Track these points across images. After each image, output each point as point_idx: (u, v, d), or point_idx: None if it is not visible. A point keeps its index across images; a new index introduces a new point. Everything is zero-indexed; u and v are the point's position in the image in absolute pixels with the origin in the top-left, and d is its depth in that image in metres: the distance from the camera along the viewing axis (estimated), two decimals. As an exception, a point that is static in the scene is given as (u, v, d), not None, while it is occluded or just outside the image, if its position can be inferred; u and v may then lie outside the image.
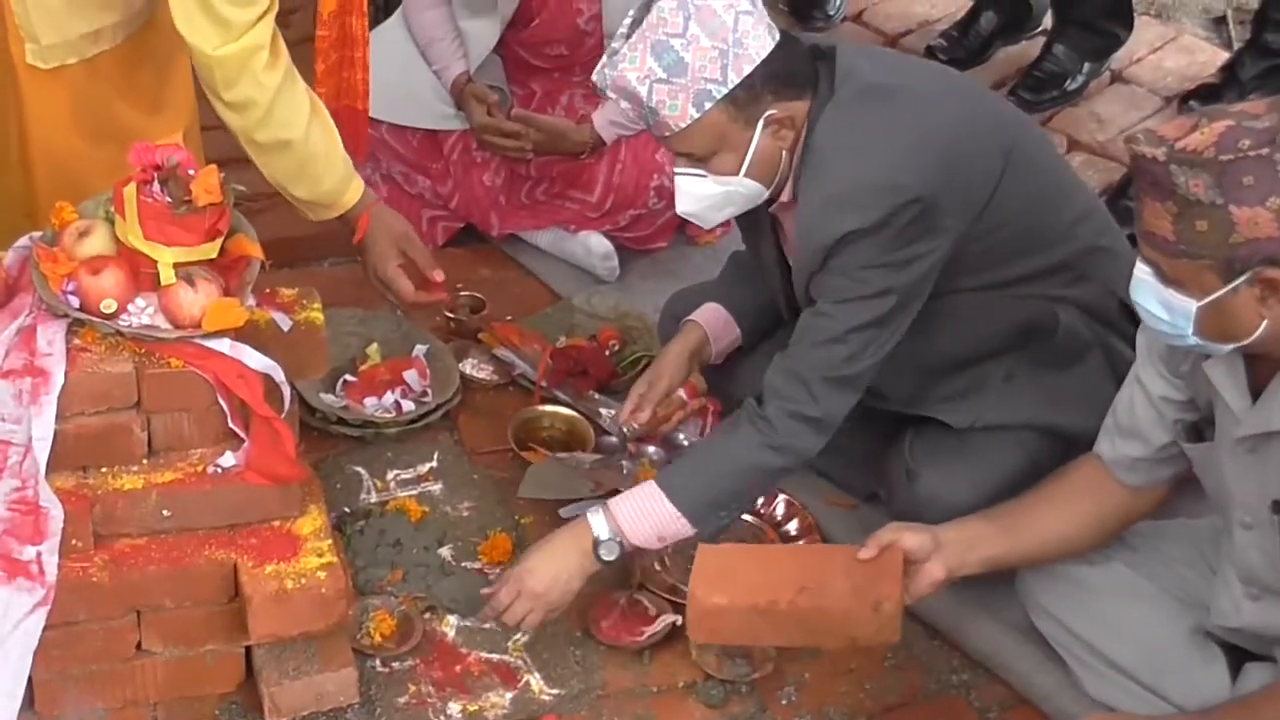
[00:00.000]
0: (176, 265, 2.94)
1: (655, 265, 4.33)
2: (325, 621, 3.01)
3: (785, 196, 3.23)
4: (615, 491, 3.39)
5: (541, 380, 3.88)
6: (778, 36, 3.09)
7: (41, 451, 2.89)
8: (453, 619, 3.36)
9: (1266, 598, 2.89)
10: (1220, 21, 5.47)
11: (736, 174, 3.14)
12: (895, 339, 3.19)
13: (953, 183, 3.13)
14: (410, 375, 3.86)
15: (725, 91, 3.04)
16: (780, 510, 3.64)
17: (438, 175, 4.35)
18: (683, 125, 3.06)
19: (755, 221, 3.40)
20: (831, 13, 5.32)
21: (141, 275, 2.96)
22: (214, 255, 2.99)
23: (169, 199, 2.92)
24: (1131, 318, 2.89)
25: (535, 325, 4.08)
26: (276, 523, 3.06)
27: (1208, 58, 5.18)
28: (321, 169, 3.39)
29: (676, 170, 3.19)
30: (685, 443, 3.74)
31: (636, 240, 4.34)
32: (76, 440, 2.93)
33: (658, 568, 3.50)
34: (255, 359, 2.96)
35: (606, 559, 3.18)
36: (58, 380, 2.89)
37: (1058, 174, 3.41)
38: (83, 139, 3.40)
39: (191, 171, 2.95)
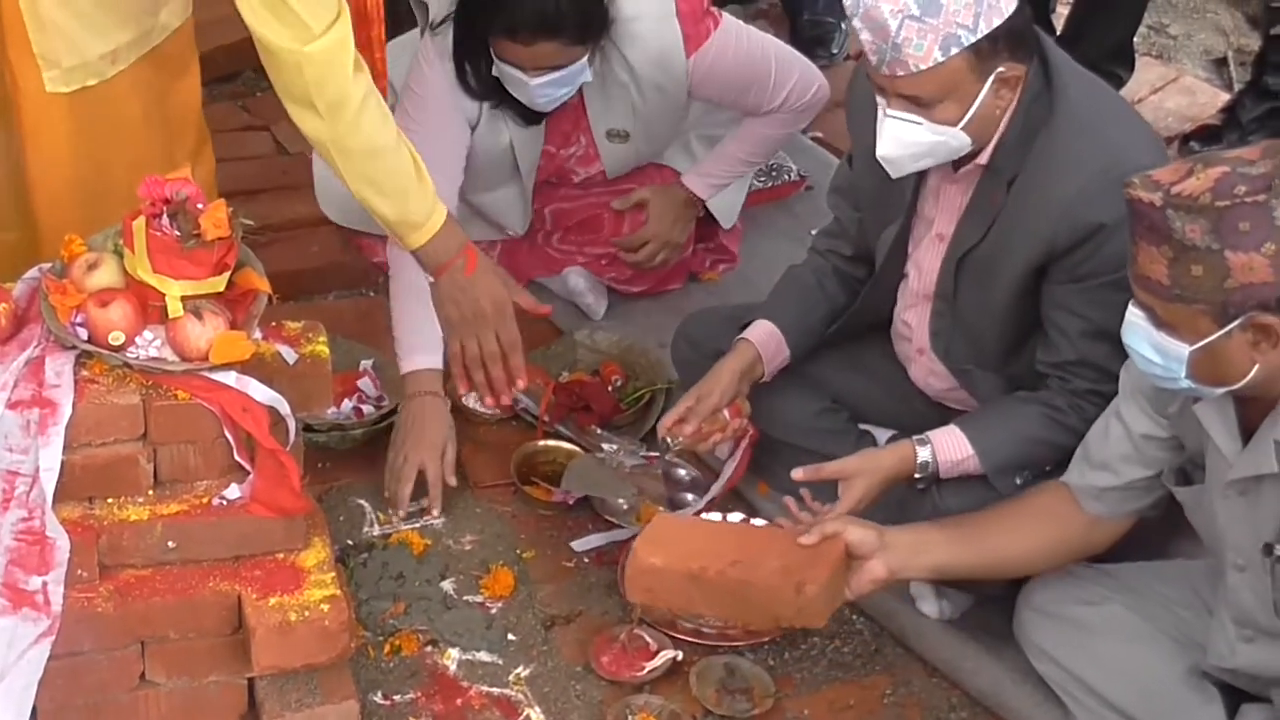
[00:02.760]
0: (184, 298, 2.95)
1: (658, 301, 4.35)
2: (328, 654, 3.01)
3: (983, 159, 3.21)
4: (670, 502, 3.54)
5: (544, 415, 3.90)
6: None
7: (48, 482, 2.89)
8: (454, 652, 3.37)
9: (1261, 639, 2.90)
10: (1221, 63, 5.50)
11: (955, 125, 3.12)
12: None
13: None
14: (363, 383, 3.96)
15: (973, 40, 3.03)
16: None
17: None
18: (923, 67, 3.04)
19: (891, 197, 3.37)
20: (835, 50, 5.34)
21: (149, 308, 2.97)
22: (221, 289, 3.00)
23: (178, 233, 2.93)
24: None
25: (538, 360, 4.09)
26: (280, 555, 3.06)
27: (1208, 99, 5.21)
28: (408, 184, 3.22)
29: (889, 113, 3.14)
30: (723, 457, 3.76)
31: (647, 290, 4.35)
32: (83, 471, 2.94)
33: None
34: (261, 392, 2.97)
35: (918, 476, 3.32)
36: (65, 411, 2.90)
37: None
38: (90, 165, 3.37)
39: (200, 205, 2.96)
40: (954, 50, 3.03)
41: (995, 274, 3.27)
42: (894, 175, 3.26)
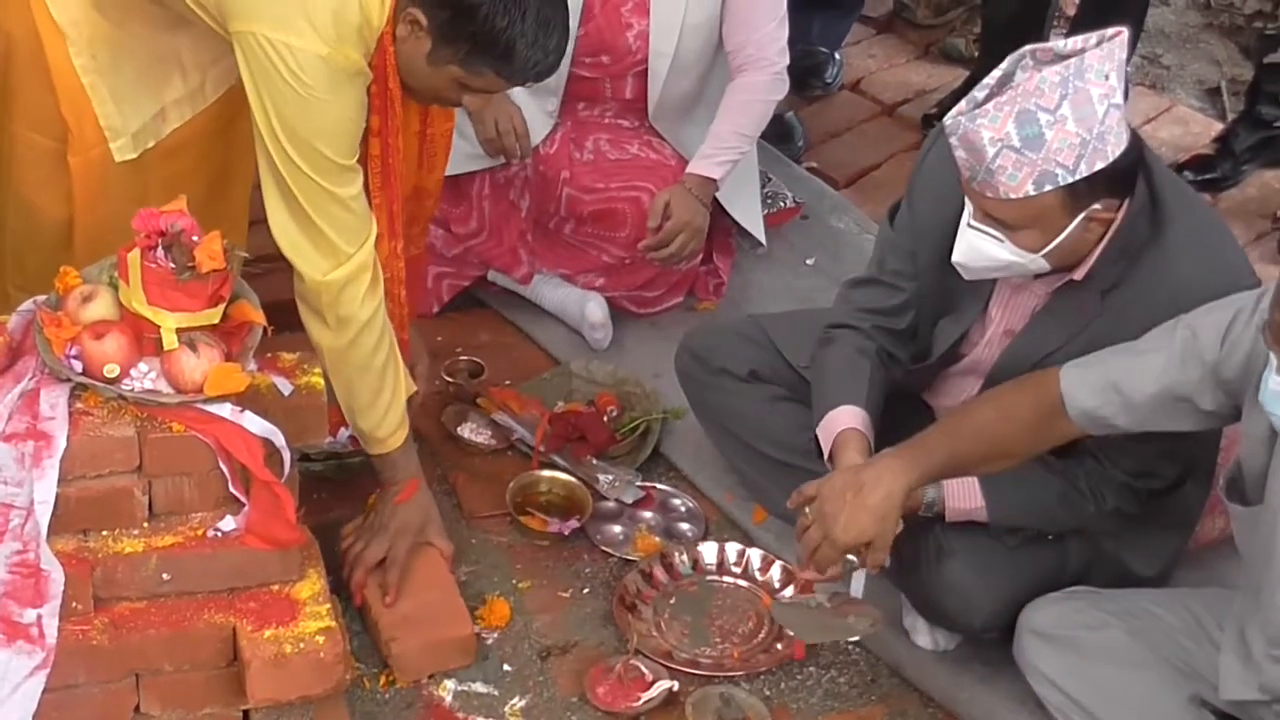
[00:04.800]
0: (179, 330, 2.96)
1: (654, 330, 4.35)
2: (323, 686, 3.01)
3: (1078, 275, 3.14)
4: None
5: (540, 445, 3.90)
6: (1129, 135, 3.03)
7: (43, 514, 2.89)
8: (450, 683, 3.37)
9: None
10: (1214, 93, 5.51)
11: (1036, 252, 3.06)
12: None
13: None
14: None
15: (1070, 180, 2.96)
16: (776, 575, 3.65)
17: (459, 218, 4.33)
18: (1013, 197, 2.98)
19: (955, 284, 3.31)
20: (829, 81, 5.35)
21: (144, 340, 2.97)
22: (216, 320, 3.01)
23: (173, 265, 2.94)
24: None
25: (533, 390, 4.09)
26: (275, 587, 3.06)
27: (1202, 129, 5.22)
28: (389, 401, 3.41)
29: (971, 223, 3.09)
30: None
31: (653, 300, 4.36)
32: (78, 504, 2.94)
33: (654, 633, 3.51)
34: (256, 424, 2.97)
35: (924, 515, 3.29)
36: (60, 444, 2.90)
37: None
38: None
39: (195, 238, 2.97)
40: (1048, 187, 2.96)
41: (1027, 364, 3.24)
42: (967, 278, 3.22)
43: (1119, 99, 2.98)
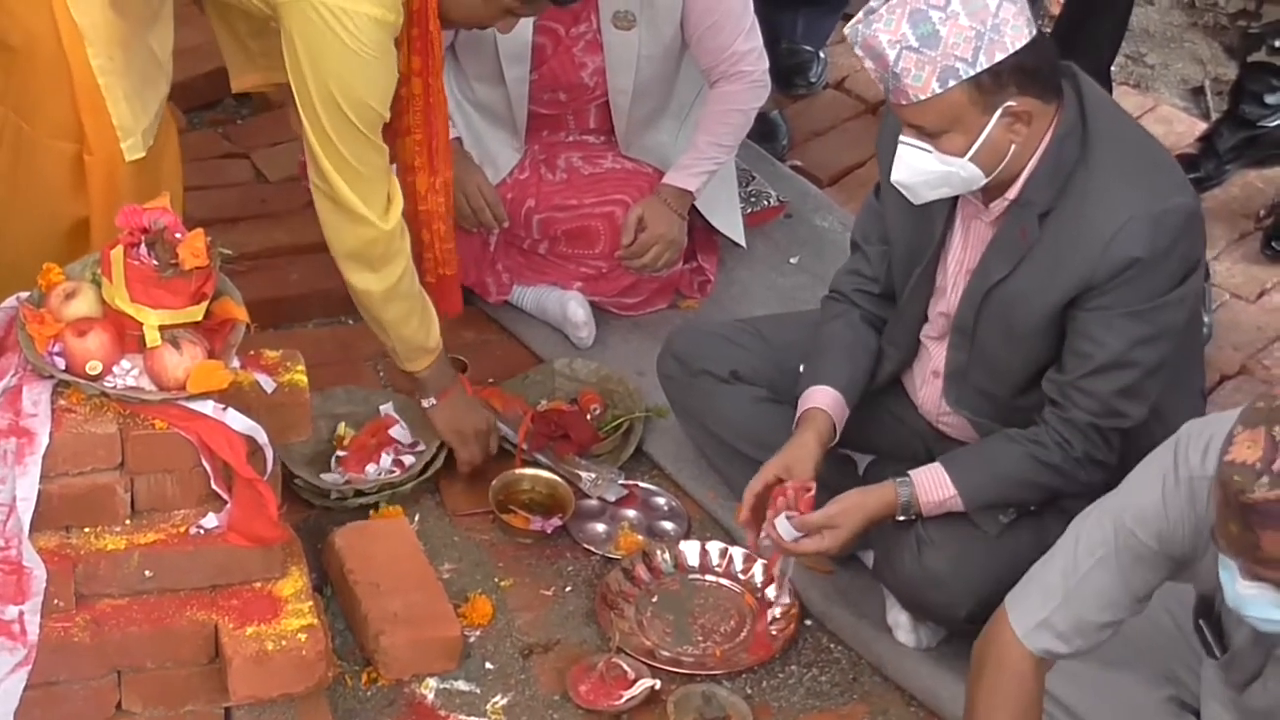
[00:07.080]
0: (162, 328, 2.96)
1: (636, 329, 4.34)
2: (305, 683, 3.01)
3: (1012, 194, 3.20)
4: None
5: (523, 443, 3.90)
6: (1034, 32, 3.09)
7: (25, 511, 2.89)
8: (432, 681, 3.37)
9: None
10: (1198, 92, 5.51)
11: (962, 156, 3.12)
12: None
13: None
14: (395, 431, 3.89)
15: (972, 74, 3.03)
16: (758, 575, 3.66)
17: None
18: (921, 98, 3.05)
19: (920, 236, 3.37)
20: (813, 79, 5.34)
21: (127, 337, 2.97)
22: (199, 318, 3.01)
23: (155, 262, 2.94)
24: None
25: (517, 389, 4.09)
26: (258, 584, 3.06)
27: (1185, 128, 5.22)
28: (432, 311, 3.71)
29: (902, 139, 3.15)
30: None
31: (636, 306, 4.36)
32: (60, 500, 2.94)
33: (636, 631, 3.52)
34: (239, 421, 2.97)
35: (900, 517, 3.35)
36: (42, 441, 2.90)
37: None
38: None
39: (178, 235, 2.97)
40: (951, 82, 3.03)
41: (1023, 307, 3.26)
42: (914, 202, 3.25)
43: None
